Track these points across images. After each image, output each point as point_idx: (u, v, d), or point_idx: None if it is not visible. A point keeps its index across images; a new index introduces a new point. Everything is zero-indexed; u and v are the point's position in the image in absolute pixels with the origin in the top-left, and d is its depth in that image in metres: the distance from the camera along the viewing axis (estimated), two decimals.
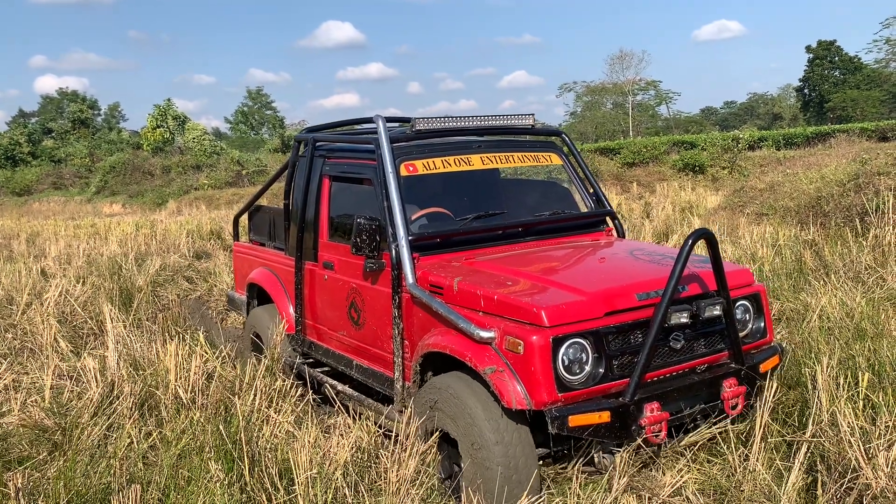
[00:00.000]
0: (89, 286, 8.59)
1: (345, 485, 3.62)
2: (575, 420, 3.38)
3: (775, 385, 4.10)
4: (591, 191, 5.24)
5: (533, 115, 5.17)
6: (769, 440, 3.98)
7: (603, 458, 3.76)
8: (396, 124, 5.48)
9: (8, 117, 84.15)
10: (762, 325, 4.21)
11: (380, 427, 4.42)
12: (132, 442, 4.09)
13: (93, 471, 3.75)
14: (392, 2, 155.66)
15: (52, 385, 5.07)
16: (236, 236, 7.23)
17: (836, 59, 60.60)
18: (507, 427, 3.52)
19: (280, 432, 4.26)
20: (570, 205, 5.16)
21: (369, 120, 5.39)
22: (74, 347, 6.60)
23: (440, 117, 4.83)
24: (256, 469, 3.66)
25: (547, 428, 3.39)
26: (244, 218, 7.07)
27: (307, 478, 3.52)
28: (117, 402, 4.66)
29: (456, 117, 4.86)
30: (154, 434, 4.24)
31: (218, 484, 3.49)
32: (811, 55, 61.21)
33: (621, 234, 5.22)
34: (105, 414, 4.57)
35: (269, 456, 3.78)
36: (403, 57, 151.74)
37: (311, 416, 4.76)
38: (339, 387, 5.05)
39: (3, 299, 8.19)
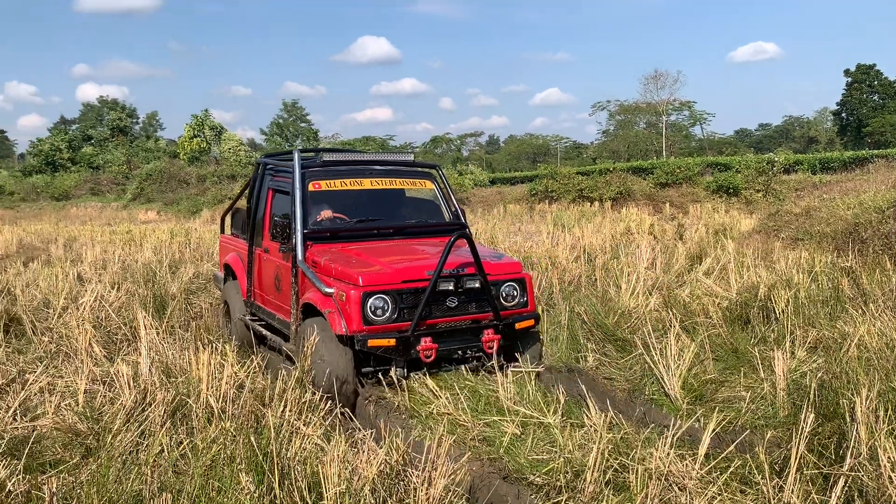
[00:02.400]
0: (124, 292, 8.70)
1: (373, 501, 3.61)
2: (372, 342, 5.48)
3: (812, 415, 4.02)
4: (453, 209, 7.18)
5: (413, 153, 7.53)
6: (805, 472, 3.89)
7: (396, 371, 5.66)
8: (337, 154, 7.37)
9: (50, 124, 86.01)
10: (525, 299, 6.13)
11: (281, 353, 6.52)
12: (163, 450, 4.12)
13: (125, 477, 3.78)
14: (427, 18, 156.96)
15: (86, 390, 5.14)
16: (222, 230, 9.01)
17: (876, 83, 59.76)
18: (336, 347, 5.54)
19: (309, 445, 4.26)
20: (439, 217, 7.16)
21: (307, 151, 7.40)
22: (108, 353, 6.68)
23: (344, 150, 7.45)
24: (286, 482, 3.66)
25: (369, 356, 5.69)
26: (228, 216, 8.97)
27: (336, 493, 3.51)
28: (149, 409, 4.70)
29: (355, 152, 7.51)
30: (185, 443, 4.26)
31: (248, 496, 3.50)
32: (849, 79, 60.46)
33: None
34: (137, 420, 4.62)
35: (299, 469, 3.79)
36: (437, 72, 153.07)
37: (339, 429, 4.76)
38: (265, 332, 7.04)
39: (40, 303, 8.32)
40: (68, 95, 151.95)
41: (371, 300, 5.52)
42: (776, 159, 30.00)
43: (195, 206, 35.61)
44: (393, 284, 5.61)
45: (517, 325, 5.97)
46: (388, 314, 5.57)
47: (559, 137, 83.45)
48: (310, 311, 6.02)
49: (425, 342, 5.63)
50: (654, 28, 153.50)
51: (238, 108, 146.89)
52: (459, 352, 5.84)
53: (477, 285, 5.76)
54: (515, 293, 6.08)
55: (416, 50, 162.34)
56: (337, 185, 6.72)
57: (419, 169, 7.35)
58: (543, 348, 6.60)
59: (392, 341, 5.53)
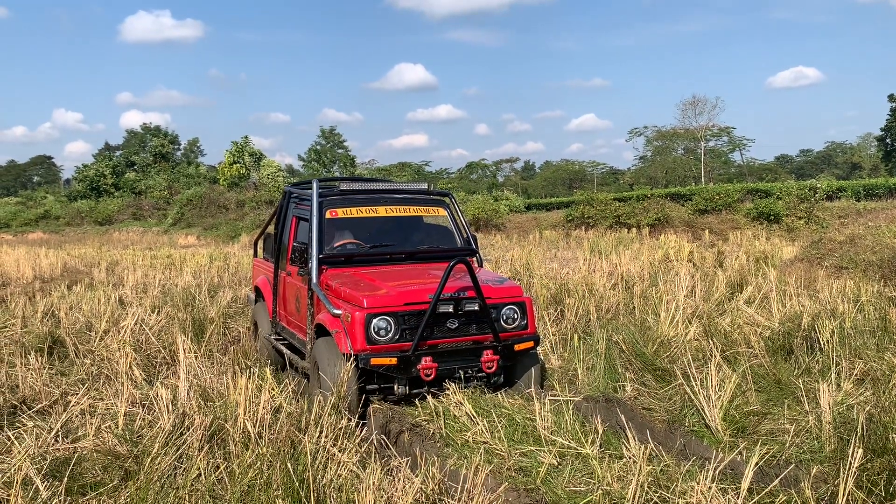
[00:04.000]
0: (164, 316, 8.83)
1: None
2: (375, 361, 5.77)
3: (860, 451, 3.90)
4: (465, 235, 7.51)
5: (427, 182, 7.81)
6: None
7: (398, 388, 5.96)
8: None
9: (95, 150, 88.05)
10: (525, 322, 6.34)
11: (300, 371, 6.85)
12: (200, 474, 4.14)
13: (162, 501, 3.81)
14: (463, 45, 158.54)
15: (126, 412, 5.20)
16: (255, 253, 9.48)
17: None
18: (341, 365, 5.70)
19: (344, 472, 4.24)
20: (452, 242, 7.44)
21: (326, 181, 7.82)
22: (148, 376, 6.77)
23: (361, 179, 8.13)
24: None
25: (374, 374, 5.90)
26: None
27: None
28: (187, 433, 4.73)
29: (373, 180, 8.07)
30: (222, 467, 4.27)
31: None
32: (894, 104, 59.34)
33: (479, 264, 7.38)
34: (175, 444, 4.64)
35: (334, 496, 3.77)
36: (472, 99, 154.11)
37: (375, 457, 4.74)
38: (284, 350, 7.39)
39: (83, 326, 8.48)
40: (113, 122, 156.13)
41: (375, 321, 5.83)
42: (818, 186, 29.54)
43: (234, 230, 36.12)
44: (396, 307, 5.90)
45: (516, 347, 6.20)
46: (390, 335, 5.87)
47: (595, 163, 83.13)
48: (322, 331, 6.32)
49: (426, 361, 5.91)
50: (692, 54, 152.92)
51: (277, 134, 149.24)
52: (460, 371, 6.06)
53: (476, 308, 6.01)
54: (515, 316, 6.31)
55: (451, 77, 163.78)
56: (353, 212, 7.10)
57: (432, 197, 7.66)
58: (544, 371, 6.80)
59: (394, 360, 5.81)
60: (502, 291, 6.35)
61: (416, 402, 5.87)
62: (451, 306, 5.95)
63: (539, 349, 7.78)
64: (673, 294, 9.08)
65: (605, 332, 7.35)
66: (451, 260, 6.09)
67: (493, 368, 6.14)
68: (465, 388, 5.91)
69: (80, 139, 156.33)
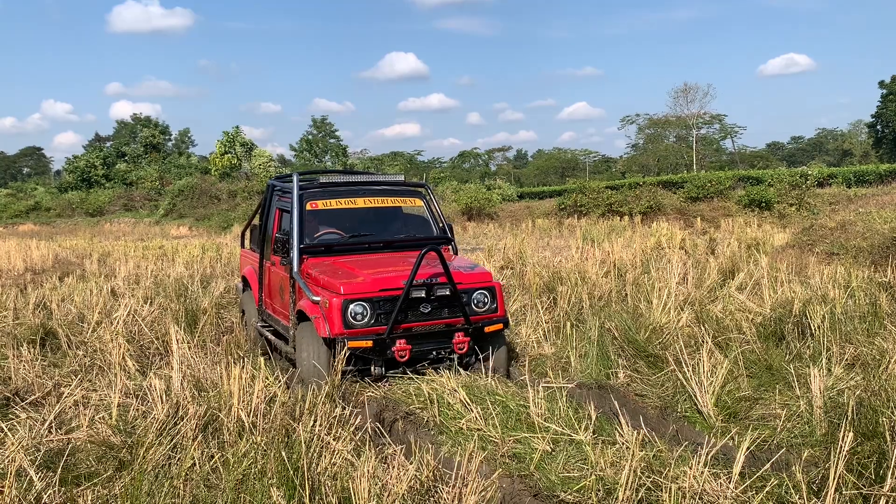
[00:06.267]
0: (156, 307, 8.80)
1: None
2: (352, 343, 6.03)
3: (850, 434, 3.93)
4: (441, 225, 7.77)
5: (402, 174, 8.26)
6: (844, 492, 3.81)
7: (375, 368, 6.29)
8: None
9: (85, 141, 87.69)
10: (495, 305, 6.64)
11: (284, 356, 7.21)
12: (195, 464, 4.14)
13: (157, 490, 3.81)
14: (455, 34, 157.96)
15: (119, 403, 5.19)
16: (242, 244, 9.73)
17: None
18: (320, 348, 6.18)
19: (339, 460, 4.25)
20: (429, 232, 7.71)
21: (307, 174, 8.10)
22: (141, 367, 6.75)
23: (340, 171, 9.30)
24: (316, 497, 3.66)
25: (351, 356, 6.13)
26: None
27: None
28: (181, 423, 4.73)
29: (352, 172, 8.49)
30: (216, 457, 4.28)
31: None
32: (884, 91, 59.48)
33: (454, 252, 7.68)
34: (169, 434, 4.64)
35: (329, 484, 3.78)
36: (464, 88, 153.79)
37: (369, 444, 4.75)
38: (269, 336, 7.67)
39: (75, 317, 8.45)
40: (103, 113, 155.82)
41: (351, 307, 6.13)
42: (809, 172, 29.63)
43: (226, 221, 36.00)
44: (371, 293, 6.21)
45: (486, 329, 6.52)
46: (366, 319, 6.16)
47: (587, 151, 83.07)
48: (303, 317, 6.60)
49: (400, 344, 6.23)
50: (683, 42, 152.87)
51: (268, 124, 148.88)
52: (433, 352, 6.42)
53: (448, 293, 6.31)
54: (486, 300, 6.62)
55: (443, 66, 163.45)
56: (332, 204, 7.40)
57: (409, 188, 7.96)
58: (510, 351, 7.15)
59: (369, 343, 6.11)
60: (473, 277, 6.65)
61: (411, 389, 5.90)
62: (424, 291, 6.25)
63: (532, 336, 7.83)
64: (665, 281, 9.11)
65: (597, 320, 7.38)
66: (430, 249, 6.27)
67: (465, 349, 6.45)
68: (436, 368, 6.27)
69: (70, 130, 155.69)
